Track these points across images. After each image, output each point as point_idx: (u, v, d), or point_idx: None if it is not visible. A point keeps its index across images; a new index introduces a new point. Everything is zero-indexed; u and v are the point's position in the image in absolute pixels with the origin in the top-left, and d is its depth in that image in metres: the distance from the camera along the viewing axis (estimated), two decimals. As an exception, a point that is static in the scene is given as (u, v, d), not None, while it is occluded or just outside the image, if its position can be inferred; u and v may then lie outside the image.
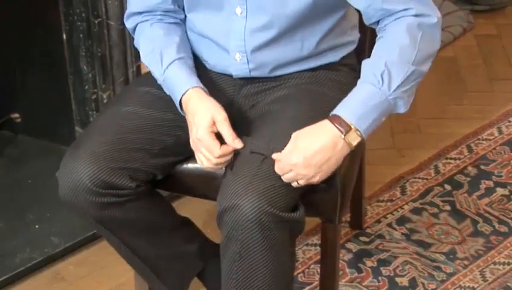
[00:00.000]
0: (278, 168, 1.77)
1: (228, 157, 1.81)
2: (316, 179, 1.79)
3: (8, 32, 2.74)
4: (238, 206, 1.73)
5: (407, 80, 1.77)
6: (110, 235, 1.96)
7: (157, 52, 1.91)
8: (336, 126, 1.75)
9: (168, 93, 1.92)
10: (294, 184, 1.78)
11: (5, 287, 2.38)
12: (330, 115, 1.78)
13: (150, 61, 1.94)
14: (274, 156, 1.77)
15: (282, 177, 1.77)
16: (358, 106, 1.76)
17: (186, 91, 1.86)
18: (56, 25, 2.56)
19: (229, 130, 1.81)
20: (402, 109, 1.80)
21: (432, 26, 1.81)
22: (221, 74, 1.99)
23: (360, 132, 1.76)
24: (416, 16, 1.79)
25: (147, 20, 1.98)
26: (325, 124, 1.77)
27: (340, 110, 1.78)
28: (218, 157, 1.80)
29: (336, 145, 1.76)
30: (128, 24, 2.02)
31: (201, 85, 1.87)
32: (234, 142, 1.80)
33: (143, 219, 1.94)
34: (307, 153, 1.75)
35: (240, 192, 1.74)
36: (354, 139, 1.76)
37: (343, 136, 1.75)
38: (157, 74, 1.92)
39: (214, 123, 1.81)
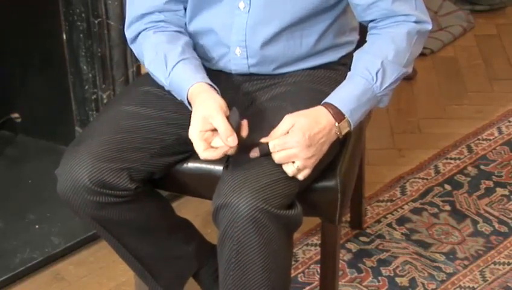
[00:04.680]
0: (277, 145, 1.76)
1: (219, 156, 1.77)
2: (311, 161, 1.79)
3: (8, 32, 2.73)
4: (232, 203, 1.73)
5: (396, 80, 1.87)
6: (106, 233, 1.96)
7: (161, 57, 1.89)
8: (331, 113, 1.81)
9: (179, 98, 1.89)
10: (289, 170, 1.77)
11: (5, 287, 2.38)
12: (324, 102, 1.83)
13: (154, 67, 1.91)
14: (272, 132, 1.78)
15: (276, 153, 1.76)
16: (353, 99, 1.83)
17: (191, 87, 1.84)
18: (56, 25, 2.55)
19: (223, 127, 1.75)
20: (384, 104, 1.90)
21: (426, 33, 1.91)
22: (221, 72, 1.99)
23: (350, 122, 1.83)
24: (416, 22, 1.88)
25: (149, 28, 1.96)
26: (321, 109, 1.82)
27: (334, 99, 1.83)
28: (204, 158, 1.78)
29: (331, 131, 1.81)
30: (130, 33, 1.99)
31: (208, 80, 1.85)
32: (227, 140, 1.75)
33: (140, 220, 1.94)
34: (311, 131, 1.78)
35: (235, 189, 1.74)
36: (344, 129, 1.83)
37: (337, 124, 1.81)
38: (163, 79, 1.90)
39: (207, 121, 1.77)
